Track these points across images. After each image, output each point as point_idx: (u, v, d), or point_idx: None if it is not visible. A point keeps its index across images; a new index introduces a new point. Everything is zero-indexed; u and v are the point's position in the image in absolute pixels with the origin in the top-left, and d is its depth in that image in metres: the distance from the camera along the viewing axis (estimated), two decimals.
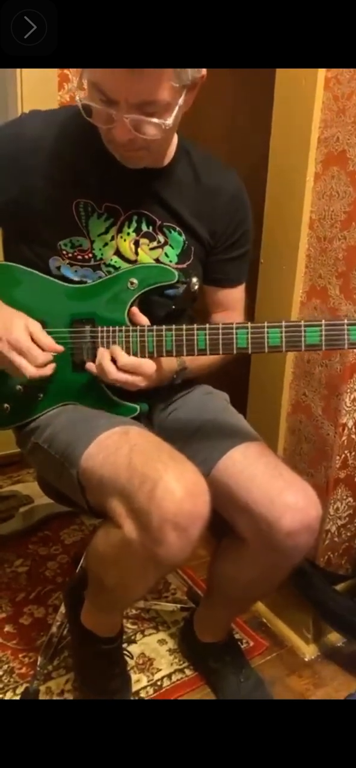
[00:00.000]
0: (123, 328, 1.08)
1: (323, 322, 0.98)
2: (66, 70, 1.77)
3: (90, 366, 1.09)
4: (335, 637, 1.52)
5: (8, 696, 1.30)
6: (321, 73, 1.27)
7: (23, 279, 1.14)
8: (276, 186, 1.42)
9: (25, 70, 1.74)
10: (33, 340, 1.05)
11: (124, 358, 1.05)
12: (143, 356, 1.07)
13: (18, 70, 1.73)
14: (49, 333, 1.09)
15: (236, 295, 1.27)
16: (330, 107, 1.28)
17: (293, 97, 1.34)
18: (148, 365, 1.06)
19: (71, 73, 1.79)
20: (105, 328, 1.09)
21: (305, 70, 1.29)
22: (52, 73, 1.77)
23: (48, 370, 1.06)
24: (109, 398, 1.12)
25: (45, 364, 1.05)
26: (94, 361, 1.09)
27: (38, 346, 1.05)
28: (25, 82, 1.74)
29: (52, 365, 1.07)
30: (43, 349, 1.05)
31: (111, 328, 1.09)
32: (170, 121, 0.96)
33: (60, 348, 1.08)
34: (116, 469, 0.97)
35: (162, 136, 0.99)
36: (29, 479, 2.09)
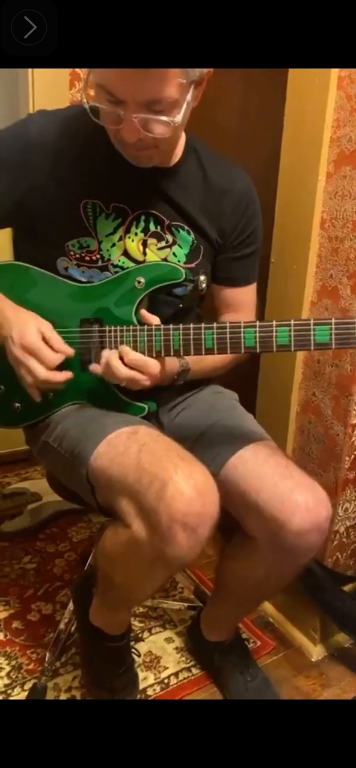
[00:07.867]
0: (131, 327, 1.08)
1: (333, 320, 0.97)
2: (77, 69, 1.76)
3: (94, 367, 1.08)
4: (342, 638, 1.52)
5: (16, 691, 1.31)
6: (334, 72, 1.26)
7: (33, 278, 1.14)
8: (287, 185, 1.42)
9: (37, 69, 1.74)
10: (45, 341, 1.05)
11: (131, 354, 1.04)
12: (150, 356, 1.06)
13: (29, 69, 1.73)
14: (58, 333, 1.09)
15: (245, 295, 1.26)
16: (342, 106, 1.27)
17: (305, 96, 1.33)
18: (153, 364, 1.05)
19: (83, 71, 1.78)
20: (113, 328, 1.09)
21: (318, 68, 1.29)
22: (63, 72, 1.77)
23: (60, 376, 1.05)
24: (118, 398, 1.12)
25: (56, 365, 1.05)
26: (99, 362, 1.09)
27: (50, 347, 1.04)
28: (36, 80, 1.74)
29: (68, 373, 1.06)
30: (55, 351, 1.05)
31: (119, 328, 1.08)
32: (178, 118, 0.96)
33: (70, 351, 1.07)
34: (125, 468, 0.97)
35: (171, 133, 0.99)
36: (37, 476, 2.10)
